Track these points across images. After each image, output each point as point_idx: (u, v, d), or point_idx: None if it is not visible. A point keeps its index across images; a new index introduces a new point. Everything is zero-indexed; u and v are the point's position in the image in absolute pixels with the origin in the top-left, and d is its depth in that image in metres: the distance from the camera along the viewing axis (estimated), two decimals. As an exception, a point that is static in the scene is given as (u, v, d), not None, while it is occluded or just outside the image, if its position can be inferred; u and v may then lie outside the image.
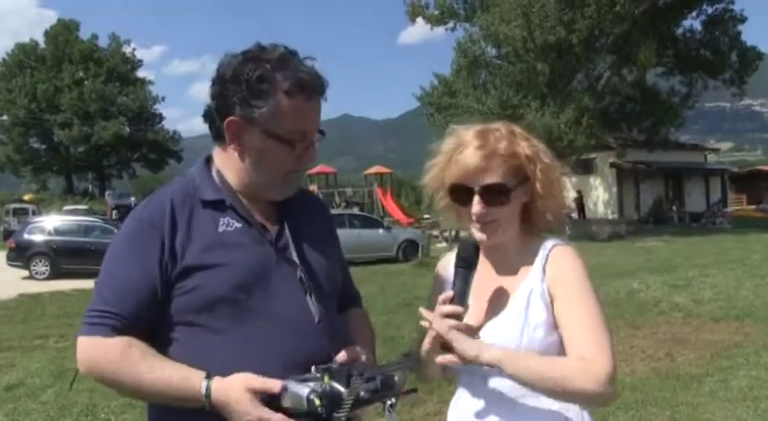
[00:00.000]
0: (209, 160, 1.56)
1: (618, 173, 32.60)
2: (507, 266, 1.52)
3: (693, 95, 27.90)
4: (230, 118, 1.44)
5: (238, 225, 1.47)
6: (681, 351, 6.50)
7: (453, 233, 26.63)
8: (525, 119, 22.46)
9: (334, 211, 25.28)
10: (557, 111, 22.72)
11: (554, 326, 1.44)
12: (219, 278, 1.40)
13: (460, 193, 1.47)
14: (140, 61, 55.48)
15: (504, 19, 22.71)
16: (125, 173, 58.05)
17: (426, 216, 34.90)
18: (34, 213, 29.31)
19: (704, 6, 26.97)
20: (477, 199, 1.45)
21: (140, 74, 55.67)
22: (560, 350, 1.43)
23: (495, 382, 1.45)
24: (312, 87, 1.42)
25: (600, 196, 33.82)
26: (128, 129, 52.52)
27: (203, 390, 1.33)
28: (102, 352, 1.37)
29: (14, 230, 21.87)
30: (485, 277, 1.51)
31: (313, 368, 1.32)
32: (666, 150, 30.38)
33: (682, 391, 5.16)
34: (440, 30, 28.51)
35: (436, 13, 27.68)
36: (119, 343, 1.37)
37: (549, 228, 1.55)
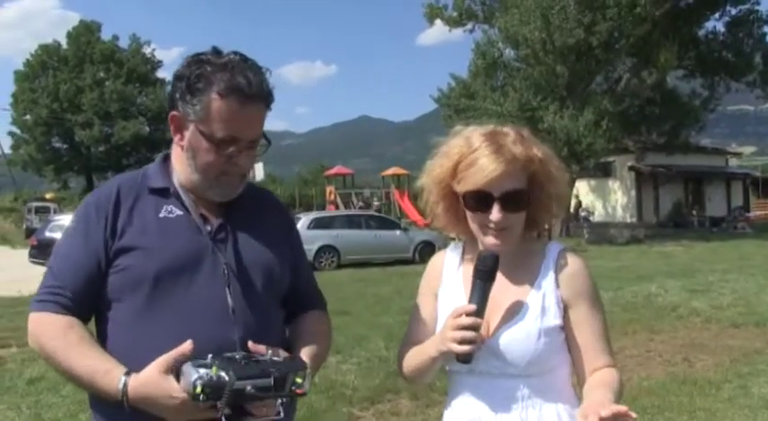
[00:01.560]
0: (167, 157, 1.63)
1: (637, 176, 32.36)
2: (515, 271, 1.52)
3: (715, 98, 27.60)
4: (173, 112, 1.51)
5: (180, 213, 1.53)
6: (699, 356, 6.44)
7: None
8: (544, 121, 22.37)
9: (351, 212, 25.39)
10: (576, 113, 22.55)
11: (561, 329, 1.48)
12: (149, 260, 1.46)
13: (478, 200, 1.45)
14: (160, 62, 55.88)
15: (523, 21, 22.61)
16: (145, 172, 58.67)
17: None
18: (55, 212, 29.69)
19: (728, 7, 26.62)
20: (497, 206, 1.43)
21: (160, 74, 56.19)
22: (560, 350, 1.48)
23: (503, 383, 1.47)
24: (247, 94, 1.44)
25: (618, 200, 33.59)
26: (147, 128, 52.91)
27: (120, 386, 1.36)
28: (46, 329, 1.44)
29: (36, 228, 22.19)
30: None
31: (209, 355, 1.32)
32: (687, 154, 30.14)
33: (699, 397, 5.11)
34: (458, 31, 28.46)
35: (455, 14, 27.62)
36: (62, 323, 1.44)
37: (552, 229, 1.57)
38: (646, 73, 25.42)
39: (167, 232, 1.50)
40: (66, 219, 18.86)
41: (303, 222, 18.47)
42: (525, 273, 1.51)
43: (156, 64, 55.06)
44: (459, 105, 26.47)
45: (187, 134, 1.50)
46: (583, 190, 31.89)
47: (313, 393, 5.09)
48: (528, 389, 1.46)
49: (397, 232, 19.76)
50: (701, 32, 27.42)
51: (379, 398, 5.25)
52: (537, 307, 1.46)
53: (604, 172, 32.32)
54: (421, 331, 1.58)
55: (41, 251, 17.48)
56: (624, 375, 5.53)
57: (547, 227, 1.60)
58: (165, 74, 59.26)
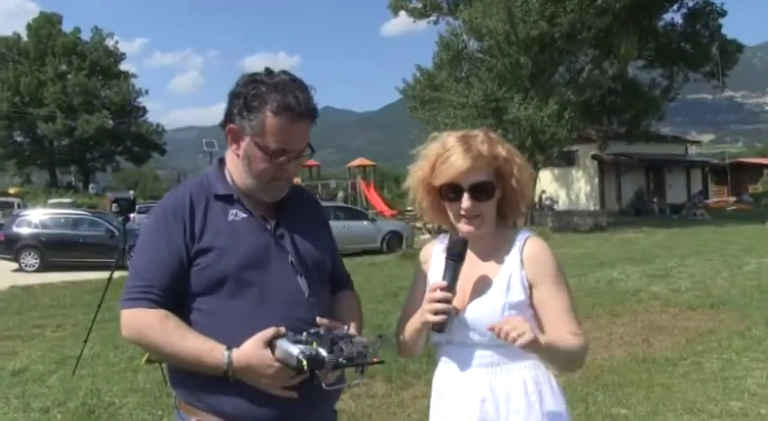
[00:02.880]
0: (222, 161, 1.85)
1: (599, 165, 33.09)
2: (488, 254, 1.77)
3: (674, 88, 28.34)
4: (230, 125, 1.73)
5: (244, 216, 1.76)
6: (658, 337, 6.78)
7: (436, 225, 26.86)
8: (509, 112, 22.73)
9: (326, 204, 25.50)
10: (539, 104, 22.98)
11: (528, 306, 1.71)
12: (227, 258, 1.69)
13: (450, 192, 1.71)
14: (123, 54, 55.11)
15: (486, 13, 22.90)
16: (109, 166, 57.66)
17: (410, 208, 35.15)
18: (19, 207, 29.17)
19: (685, 0, 27.40)
20: (466, 196, 1.69)
21: (123, 67, 55.35)
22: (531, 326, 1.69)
23: (475, 351, 1.72)
24: (297, 112, 1.67)
25: (582, 188, 34.30)
26: (111, 122, 52.15)
27: (225, 359, 1.60)
28: (144, 322, 1.66)
29: (2, 224, 21.82)
30: (469, 263, 1.76)
31: (305, 333, 1.57)
32: (648, 142, 30.88)
33: (657, 374, 5.45)
34: (423, 22, 28.69)
35: (419, 5, 27.84)
36: (158, 314, 1.66)
37: (517, 219, 1.80)
38: (607, 64, 26.08)
39: (237, 233, 1.72)
40: (32, 215, 18.69)
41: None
42: (496, 257, 1.75)
43: (120, 56, 54.30)
44: (424, 97, 26.70)
45: (243, 145, 1.72)
46: (547, 178, 32.49)
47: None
48: (497, 356, 1.70)
49: (365, 222, 19.97)
50: (660, 24, 28.09)
51: (355, 382, 5.46)
52: (503, 284, 1.70)
53: (568, 161, 32.91)
54: (413, 309, 1.81)
55: (8, 246, 17.29)
56: (588, 357, 5.84)
57: (522, 217, 1.83)
58: (128, 66, 58.32)
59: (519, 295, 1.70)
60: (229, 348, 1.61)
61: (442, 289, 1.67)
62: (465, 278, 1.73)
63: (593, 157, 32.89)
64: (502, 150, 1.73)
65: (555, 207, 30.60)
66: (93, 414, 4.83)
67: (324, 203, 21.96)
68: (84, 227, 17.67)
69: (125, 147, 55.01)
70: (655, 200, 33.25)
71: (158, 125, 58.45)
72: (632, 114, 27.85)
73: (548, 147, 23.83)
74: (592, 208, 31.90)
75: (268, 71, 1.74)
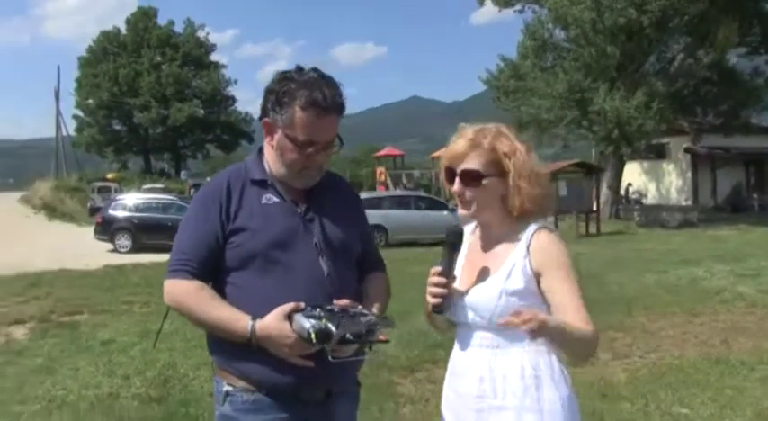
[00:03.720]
0: (260, 150, 2.00)
1: (692, 158, 31.53)
2: (497, 243, 1.85)
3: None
4: (265, 119, 1.90)
5: (276, 200, 1.92)
6: (738, 339, 6.47)
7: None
8: (594, 103, 22.10)
9: (400, 193, 25.70)
10: (626, 95, 22.20)
11: (530, 294, 1.76)
12: (258, 238, 1.85)
13: (448, 174, 1.83)
14: (214, 45, 56.97)
15: (572, 1, 22.23)
16: (199, 153, 59.87)
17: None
18: (116, 191, 30.87)
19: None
20: (457, 180, 1.80)
21: (214, 57, 57.26)
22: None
23: (478, 333, 1.82)
24: (323, 107, 1.81)
25: (673, 182, 32.84)
26: (202, 111, 54.09)
27: (249, 329, 1.76)
28: (183, 291, 1.85)
29: (99, 207, 23.25)
30: (477, 251, 1.87)
31: (318, 309, 1.72)
32: (747, 135, 29.14)
33: (729, 376, 5.21)
34: (510, 11, 28.18)
35: (505, -5, 27.37)
36: (194, 285, 1.84)
37: (534, 214, 1.82)
38: (702, 52, 24.69)
39: (269, 216, 1.88)
40: (127, 199, 19.82)
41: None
42: (504, 246, 1.83)
43: (210, 47, 56.14)
44: (507, 87, 26.32)
45: (276, 137, 1.88)
46: (635, 171, 31.35)
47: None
48: (497, 339, 1.78)
49: (445, 212, 19.94)
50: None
51: (418, 368, 5.56)
52: (505, 272, 1.78)
53: (658, 154, 31.62)
54: None
55: (105, 228, 18.44)
56: (656, 354, 5.70)
57: (536, 215, 1.85)
58: (218, 57, 60.22)
59: (518, 283, 1.76)
60: (254, 319, 1.77)
61: (439, 274, 1.79)
62: (473, 264, 1.85)
63: (686, 150, 31.42)
64: (504, 145, 1.79)
65: (643, 201, 29.51)
66: (168, 383, 5.21)
67: (406, 193, 22.29)
68: (173, 211, 18.55)
69: (215, 135, 56.94)
70: (755, 196, 31.40)
71: (246, 114, 60.18)
72: (730, 105, 26.26)
73: (634, 139, 22.99)
74: (683, 203, 30.55)
75: (299, 68, 1.87)
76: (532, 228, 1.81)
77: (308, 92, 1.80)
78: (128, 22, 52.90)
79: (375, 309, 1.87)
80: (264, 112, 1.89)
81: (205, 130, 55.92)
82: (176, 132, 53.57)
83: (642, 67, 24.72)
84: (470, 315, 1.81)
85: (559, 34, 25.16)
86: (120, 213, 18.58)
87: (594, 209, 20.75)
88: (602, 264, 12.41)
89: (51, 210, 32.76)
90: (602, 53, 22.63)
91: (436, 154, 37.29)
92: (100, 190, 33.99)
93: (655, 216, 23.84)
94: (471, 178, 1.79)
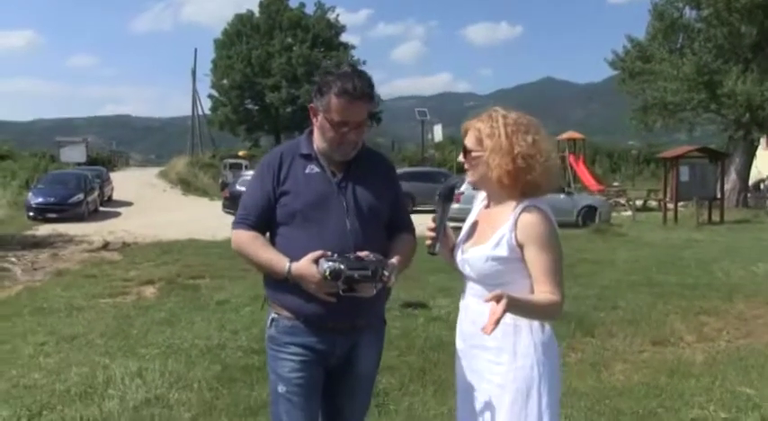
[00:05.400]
0: (311, 132, 2.46)
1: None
2: (494, 214, 2.23)
3: None
4: (311, 104, 2.39)
5: (317, 170, 2.40)
6: None
7: (641, 202, 25.65)
8: (724, 85, 20.89)
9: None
10: (760, 77, 20.78)
11: (513, 261, 2.13)
12: (299, 200, 2.35)
13: (462, 149, 2.25)
14: (343, 27, 58.27)
15: (707, -22, 21.12)
16: (328, 132, 61.77)
17: (615, 183, 33.65)
18: (246, 168, 32.61)
19: None
20: (462, 153, 2.25)
21: (345, 38, 58.56)
22: (511, 274, 2.14)
23: (475, 286, 2.23)
24: (353, 95, 2.26)
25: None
26: (330, 91, 55.72)
27: (286, 269, 2.29)
28: (243, 239, 2.40)
29: (230, 183, 24.99)
30: (483, 217, 2.28)
31: (335, 255, 2.23)
32: None
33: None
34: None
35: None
36: (251, 234, 2.39)
37: (520, 189, 2.15)
38: None
39: (309, 182, 2.36)
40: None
41: (468, 183, 19.00)
42: (500, 218, 2.19)
43: (340, 29, 57.49)
44: (633, 68, 25.36)
45: (319, 119, 2.34)
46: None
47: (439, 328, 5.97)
48: (485, 291, 2.11)
49: (561, 196, 19.71)
50: None
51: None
52: (494, 240, 2.14)
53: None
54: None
55: (233, 202, 19.89)
56: (744, 340, 5.65)
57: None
58: (352, 37, 61.23)
59: (502, 252, 2.13)
60: (291, 262, 2.28)
61: (433, 221, 2.24)
62: (476, 227, 2.27)
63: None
64: (486, 126, 2.17)
65: (761, 186, 27.41)
66: (269, 339, 5.93)
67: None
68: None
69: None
70: None
71: (376, 95, 61.25)
72: None
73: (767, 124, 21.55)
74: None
75: (337, 64, 2.46)
76: (522, 205, 2.14)
77: (341, 82, 2.26)
78: (261, 5, 55.20)
79: (395, 261, 2.33)
80: (311, 100, 2.39)
81: (332, 110, 57.51)
82: (306, 111, 54.44)
83: (782, 47, 22.99)
84: (467, 269, 2.22)
85: (690, 14, 23.89)
86: (245, 188, 19.94)
87: (719, 196, 19.74)
88: (715, 251, 12.11)
89: (186, 185, 35.07)
90: (736, 33, 21.32)
91: (563, 137, 36.31)
92: (231, 166, 35.81)
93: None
94: (465, 152, 2.22)
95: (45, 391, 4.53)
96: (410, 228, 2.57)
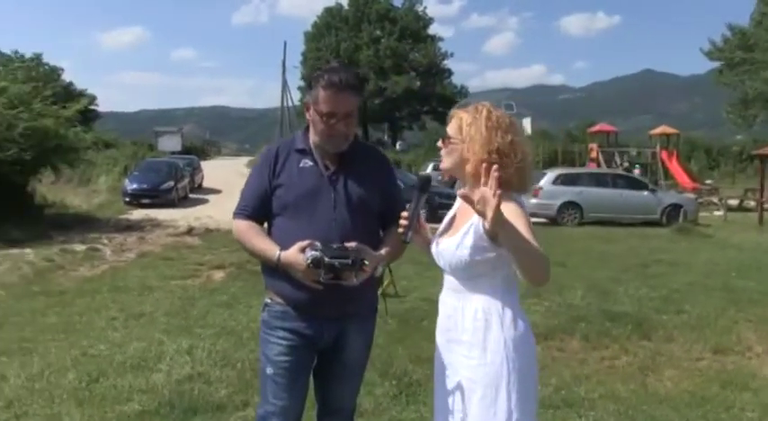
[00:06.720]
0: (307, 128, 2.53)
1: None
2: (468, 205, 2.16)
3: None
4: (306, 99, 2.52)
5: (310, 164, 2.50)
6: None
7: (737, 202, 24.25)
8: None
9: (597, 170, 24.66)
10: None
11: (478, 249, 2.08)
12: (291, 192, 2.46)
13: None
14: (431, 19, 58.26)
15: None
16: (415, 125, 61.93)
17: (708, 181, 31.94)
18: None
19: None
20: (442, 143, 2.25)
21: (439, 29, 58.41)
22: (483, 264, 2.10)
23: (450, 278, 2.23)
24: (339, 87, 2.35)
25: None
26: (418, 83, 55.75)
27: (276, 257, 2.39)
28: (240, 228, 2.53)
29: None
30: (460, 210, 2.24)
31: (319, 244, 2.32)
32: None
33: None
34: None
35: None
36: (247, 224, 2.52)
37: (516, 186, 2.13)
38: None
39: (302, 176, 2.47)
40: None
41: (549, 178, 18.69)
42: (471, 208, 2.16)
43: (428, 21, 57.42)
44: (733, 59, 23.97)
45: (310, 112, 2.44)
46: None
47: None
48: (459, 284, 2.16)
49: (645, 193, 19.01)
50: None
51: (552, 336, 5.72)
52: (465, 229, 2.13)
53: None
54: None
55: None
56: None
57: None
58: (441, 29, 60.91)
59: (470, 240, 2.10)
60: (281, 250, 2.39)
61: (406, 211, 2.27)
62: (456, 221, 2.25)
63: None
64: (468, 116, 2.18)
65: None
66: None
67: (604, 170, 21.32)
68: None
69: (430, 107, 58.40)
70: None
71: (462, 87, 60.89)
72: None
73: None
74: None
75: (327, 61, 2.54)
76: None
77: (328, 76, 2.37)
78: (350, -3, 55.93)
79: (383, 252, 2.44)
80: (306, 95, 2.51)
81: (421, 102, 57.58)
82: (393, 104, 55.82)
83: None
84: (441, 261, 2.23)
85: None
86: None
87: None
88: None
89: (270, 174, 36.18)
90: None
91: (655, 131, 34.93)
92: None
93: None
94: (444, 139, 2.24)
95: (106, 361, 4.97)
96: None
